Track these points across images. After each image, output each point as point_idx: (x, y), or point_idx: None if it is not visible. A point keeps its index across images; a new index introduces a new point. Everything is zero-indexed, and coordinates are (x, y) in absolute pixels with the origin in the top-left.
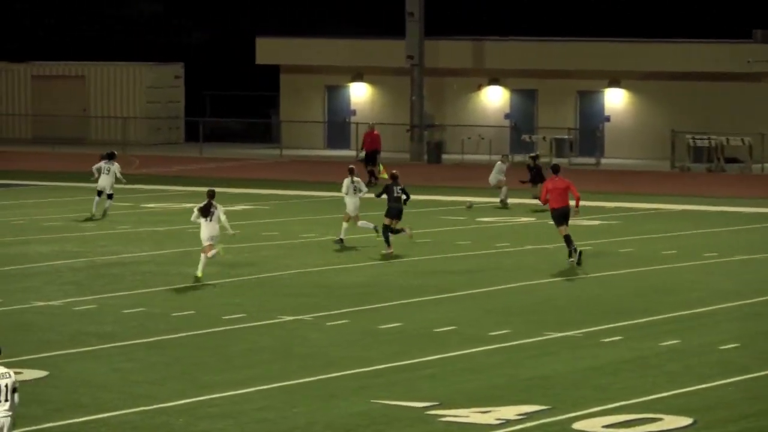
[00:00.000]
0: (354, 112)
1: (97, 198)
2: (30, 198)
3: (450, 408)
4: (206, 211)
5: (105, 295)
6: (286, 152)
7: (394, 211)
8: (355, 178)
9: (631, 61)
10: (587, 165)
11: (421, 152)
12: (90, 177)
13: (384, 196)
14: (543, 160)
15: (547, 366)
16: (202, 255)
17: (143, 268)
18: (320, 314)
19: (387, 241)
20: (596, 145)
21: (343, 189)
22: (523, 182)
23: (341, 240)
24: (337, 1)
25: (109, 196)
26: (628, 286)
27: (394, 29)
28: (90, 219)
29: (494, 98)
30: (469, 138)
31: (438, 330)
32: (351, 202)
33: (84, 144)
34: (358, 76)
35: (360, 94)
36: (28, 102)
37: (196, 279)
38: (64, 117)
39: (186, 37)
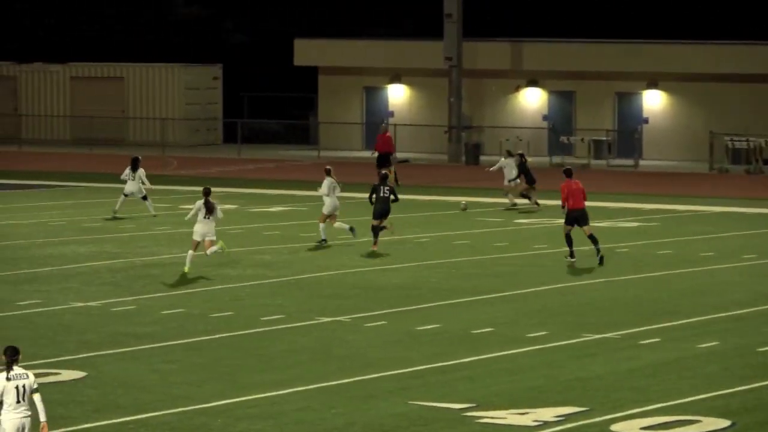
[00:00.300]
0: (392, 114)
1: (122, 198)
2: (68, 199)
3: (488, 409)
4: (209, 209)
5: (144, 296)
6: (324, 153)
7: (380, 211)
8: (333, 179)
9: (670, 62)
10: (625, 167)
11: (458, 154)
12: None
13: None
14: (581, 161)
15: (585, 368)
16: (190, 252)
17: (182, 269)
18: (358, 315)
19: (375, 237)
20: (634, 146)
21: (324, 189)
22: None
23: (324, 240)
24: (375, 2)
25: (144, 198)
26: (666, 287)
27: (433, 31)
28: (113, 218)
29: (532, 100)
30: (507, 139)
31: (476, 331)
32: (330, 202)
33: (122, 145)
34: (396, 78)
35: (398, 95)
36: (67, 103)
37: (184, 274)
38: (102, 118)
39: (224, 38)
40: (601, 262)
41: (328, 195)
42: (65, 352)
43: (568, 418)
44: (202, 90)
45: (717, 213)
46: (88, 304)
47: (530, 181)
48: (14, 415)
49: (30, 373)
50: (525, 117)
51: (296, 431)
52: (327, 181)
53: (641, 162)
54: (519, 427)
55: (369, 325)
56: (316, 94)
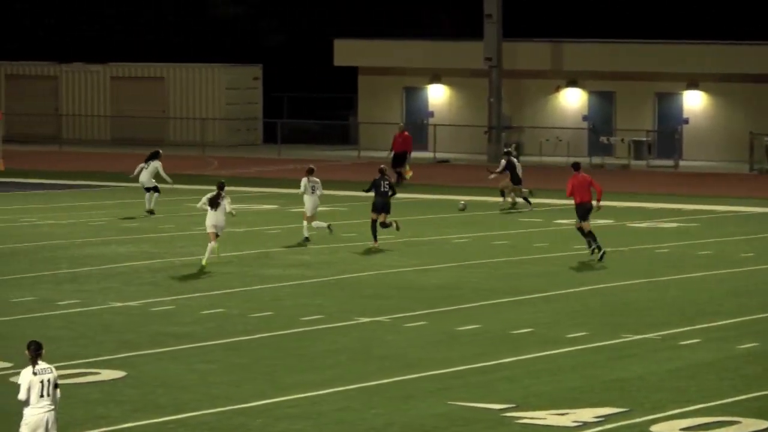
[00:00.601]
0: (432, 114)
1: (147, 194)
2: (108, 199)
3: (527, 410)
4: (214, 202)
5: (183, 296)
6: (364, 153)
7: (380, 205)
8: (312, 178)
9: (710, 62)
10: (665, 167)
11: (498, 154)
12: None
13: (372, 191)
14: (621, 162)
15: (624, 368)
16: (210, 244)
17: (221, 269)
18: (398, 316)
19: (374, 235)
20: (674, 147)
21: (301, 188)
22: (492, 172)
23: (307, 239)
24: (416, 2)
25: (155, 189)
26: (706, 288)
27: (473, 31)
28: (149, 214)
29: (572, 100)
30: (547, 140)
31: (515, 332)
32: (310, 202)
33: (162, 145)
34: (436, 78)
35: (438, 95)
36: (107, 103)
37: (202, 268)
38: (142, 118)
39: (264, 38)
40: (595, 253)
41: (305, 193)
42: (105, 352)
43: (607, 418)
44: (242, 90)
45: (757, 214)
46: (128, 303)
47: (515, 180)
48: (38, 410)
49: (53, 368)
50: (565, 117)
51: (336, 431)
52: (303, 181)
53: (681, 162)
54: (558, 427)
55: (409, 325)
56: (356, 94)
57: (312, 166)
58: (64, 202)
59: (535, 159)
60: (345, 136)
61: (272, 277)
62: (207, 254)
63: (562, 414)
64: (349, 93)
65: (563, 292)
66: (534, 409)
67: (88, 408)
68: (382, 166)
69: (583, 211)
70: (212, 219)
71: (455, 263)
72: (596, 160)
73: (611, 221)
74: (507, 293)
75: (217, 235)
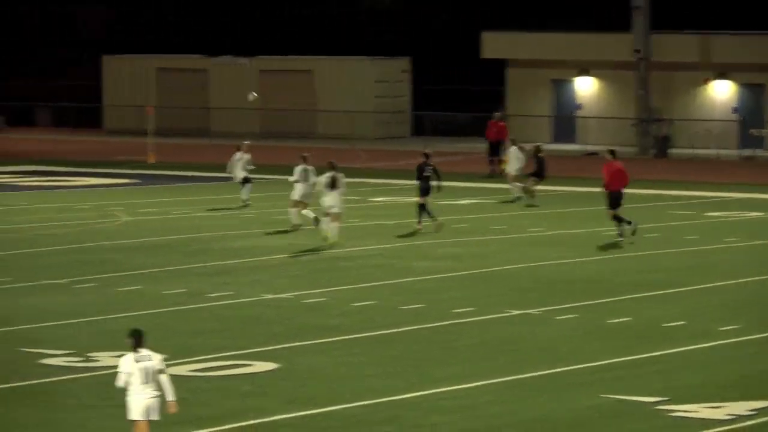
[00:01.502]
0: (580, 106)
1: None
2: (258, 192)
3: (680, 403)
4: (332, 183)
5: (333, 288)
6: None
7: (423, 190)
8: (308, 167)
9: None
10: None
11: (647, 146)
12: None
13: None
14: None
15: None
16: (329, 221)
17: (371, 262)
18: (549, 308)
19: (419, 218)
20: None
21: (294, 176)
22: (530, 175)
23: (297, 226)
24: None
25: (247, 180)
26: None
27: (621, 23)
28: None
29: (722, 92)
30: (696, 132)
31: (667, 325)
32: (301, 189)
33: (312, 138)
34: (584, 70)
35: (586, 88)
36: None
37: (325, 239)
38: (291, 111)
39: (413, 31)
40: (624, 235)
41: (298, 181)
42: (256, 344)
43: (761, 411)
44: (391, 83)
45: None
46: (278, 296)
47: (540, 173)
48: (142, 396)
49: (155, 355)
50: (714, 109)
51: (486, 424)
52: (299, 168)
53: None
54: (712, 420)
55: (559, 318)
56: (504, 86)
57: (305, 154)
58: (214, 195)
59: (686, 152)
60: None
61: (422, 269)
62: (330, 231)
63: (715, 407)
64: (497, 86)
65: (715, 284)
66: (687, 402)
67: (241, 400)
68: (427, 150)
69: (614, 199)
70: (330, 200)
71: (606, 255)
72: (746, 152)
73: (762, 213)
74: (657, 286)
75: (337, 214)
